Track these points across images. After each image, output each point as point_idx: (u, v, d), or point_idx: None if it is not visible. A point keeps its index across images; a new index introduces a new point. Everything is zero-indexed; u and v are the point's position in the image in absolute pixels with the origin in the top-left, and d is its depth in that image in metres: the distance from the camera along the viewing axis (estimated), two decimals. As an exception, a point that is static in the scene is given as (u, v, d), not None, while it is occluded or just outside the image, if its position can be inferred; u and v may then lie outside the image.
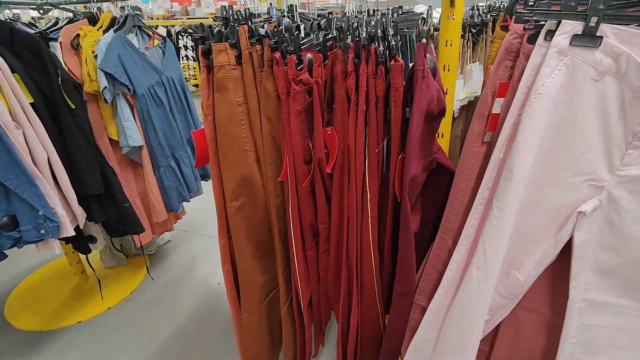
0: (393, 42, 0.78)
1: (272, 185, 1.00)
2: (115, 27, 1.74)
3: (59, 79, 1.36)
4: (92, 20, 1.78)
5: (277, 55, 0.86)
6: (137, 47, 1.81)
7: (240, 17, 1.03)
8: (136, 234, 1.83)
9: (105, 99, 1.65)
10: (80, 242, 1.73)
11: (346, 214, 0.97)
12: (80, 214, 1.48)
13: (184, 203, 2.14)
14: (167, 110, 1.92)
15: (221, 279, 2.26)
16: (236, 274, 1.15)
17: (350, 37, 0.85)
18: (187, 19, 6.05)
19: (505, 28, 0.86)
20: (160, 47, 1.97)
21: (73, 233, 1.38)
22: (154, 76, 1.86)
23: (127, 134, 1.77)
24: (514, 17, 0.77)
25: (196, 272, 2.31)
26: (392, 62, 0.76)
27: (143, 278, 2.27)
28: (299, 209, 0.99)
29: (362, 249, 1.00)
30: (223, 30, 0.93)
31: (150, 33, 1.96)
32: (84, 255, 1.81)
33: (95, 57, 1.65)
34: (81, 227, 1.53)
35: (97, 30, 1.72)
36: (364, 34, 0.77)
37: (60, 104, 1.40)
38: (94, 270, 2.02)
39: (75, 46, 1.65)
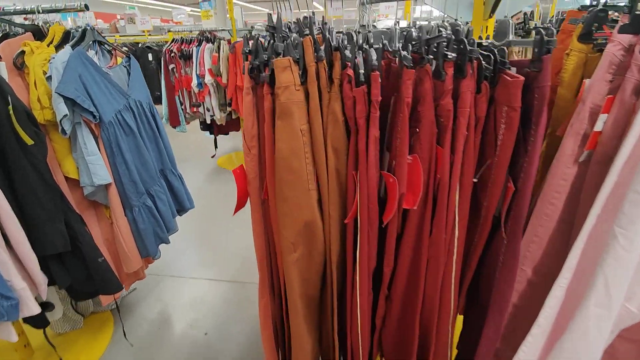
0: (498, 55, 0.66)
1: (336, 229, 0.80)
2: (71, 43, 1.40)
3: (9, 108, 1.02)
4: (38, 34, 1.42)
5: (350, 72, 0.69)
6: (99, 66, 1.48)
7: (293, 27, 0.84)
8: (111, 294, 1.46)
9: (63, 129, 1.31)
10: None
11: (425, 254, 0.82)
12: (42, 281, 1.12)
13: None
14: (137, 139, 1.60)
15: (208, 329, 1.93)
16: (277, 339, 0.92)
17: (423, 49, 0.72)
18: (120, 36, 5.49)
19: (585, 39, 0.79)
20: (125, 66, 1.65)
21: (38, 310, 1.02)
22: (120, 100, 1.54)
23: (92, 171, 1.42)
24: (617, 27, 0.70)
25: (175, 325, 1.95)
26: (507, 77, 0.63)
27: (109, 341, 1.85)
28: (369, 253, 0.81)
29: (443, 293, 0.85)
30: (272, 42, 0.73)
31: (112, 50, 1.64)
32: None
33: (48, 78, 1.30)
34: (43, 298, 1.15)
35: (47, 46, 1.38)
36: (466, 44, 0.63)
37: (9, 141, 1.06)
38: (48, 341, 1.58)
39: (20, 65, 1.29)
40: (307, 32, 0.70)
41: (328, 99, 0.71)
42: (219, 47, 3.29)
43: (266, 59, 0.72)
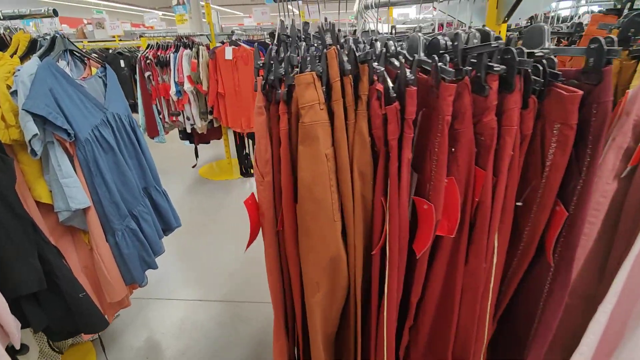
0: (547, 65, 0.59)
1: (360, 261, 0.71)
2: (39, 52, 1.24)
3: (-32, 130, 0.87)
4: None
5: (380, 87, 0.60)
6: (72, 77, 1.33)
7: (308, 34, 0.73)
8: (95, 333, 1.31)
9: (33, 150, 1.15)
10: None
11: (459, 283, 0.74)
12: (15, 328, 0.96)
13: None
14: (117, 157, 1.45)
15: (203, 356, 1.79)
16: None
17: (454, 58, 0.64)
18: (89, 42, 5.21)
19: (620, 46, 0.74)
20: (100, 77, 1.50)
21: (10, 363, 0.88)
22: (97, 114, 1.39)
23: (68, 195, 1.27)
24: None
25: (165, 353, 1.80)
26: (561, 91, 0.56)
27: (92, 377, 1.68)
28: (398, 284, 0.73)
29: (479, 324, 0.77)
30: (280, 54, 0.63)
31: (86, 59, 1.49)
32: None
33: (13, 93, 1.14)
34: (17, 347, 1.00)
35: (11, 57, 1.21)
36: (515, 55, 0.56)
37: (-32, 168, 0.90)
38: (21, 388, 1.40)
39: (-22, 79, 1.12)
40: (328, 40, 0.61)
41: (354, 118, 0.62)
42: (197, 53, 3.14)
43: (282, 73, 0.62)
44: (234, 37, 3.08)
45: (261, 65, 0.61)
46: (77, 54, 1.46)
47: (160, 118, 3.26)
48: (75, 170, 1.29)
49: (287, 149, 0.65)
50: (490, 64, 0.57)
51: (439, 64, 0.59)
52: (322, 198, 0.63)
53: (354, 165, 0.64)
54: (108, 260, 1.43)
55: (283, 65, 0.61)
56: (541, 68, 0.58)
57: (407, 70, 0.59)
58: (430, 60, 0.59)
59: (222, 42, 3.18)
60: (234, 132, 3.49)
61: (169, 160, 4.45)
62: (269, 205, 0.67)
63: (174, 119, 3.25)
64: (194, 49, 3.17)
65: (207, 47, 3.25)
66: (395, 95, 0.61)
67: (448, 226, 0.66)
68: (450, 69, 0.56)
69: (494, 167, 0.62)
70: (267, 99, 0.64)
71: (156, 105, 3.24)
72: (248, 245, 0.72)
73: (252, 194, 0.69)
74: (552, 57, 0.58)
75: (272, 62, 0.61)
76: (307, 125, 0.59)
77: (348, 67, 0.58)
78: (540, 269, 0.71)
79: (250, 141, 3.59)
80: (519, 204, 0.67)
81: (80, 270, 1.46)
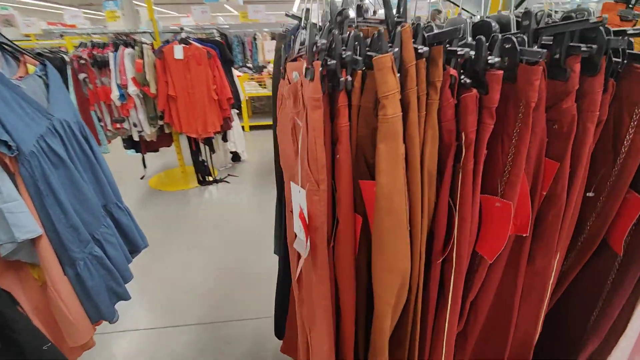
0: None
1: (423, 272, 0.62)
2: (-40, 44, 0.97)
3: None
4: None
5: (454, 72, 0.52)
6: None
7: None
8: (64, 388, 1.06)
9: (-38, 170, 0.89)
10: None
11: (520, 284, 0.68)
12: None
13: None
14: (71, 171, 1.20)
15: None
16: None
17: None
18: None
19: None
20: (40, 76, 1.23)
21: None
22: (41, 122, 1.13)
23: (11, 222, 1.01)
24: None
25: (140, 394, 1.55)
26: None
27: None
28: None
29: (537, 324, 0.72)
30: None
31: (19, 56, 1.21)
32: None
33: None
34: None
35: None
36: (603, 34, 0.51)
37: None
38: None
39: None
40: (399, 17, 0.50)
41: (425, 109, 0.53)
42: (142, 52, 2.82)
43: (343, 57, 0.50)
44: (182, 35, 2.82)
45: (320, 46, 0.49)
46: (7, 48, 1.18)
47: (101, 126, 2.87)
48: (19, 192, 1.03)
49: (349, 151, 0.54)
50: (573, 44, 0.52)
51: (519, 46, 0.52)
52: (399, 207, 0.52)
53: (424, 165, 0.55)
54: (68, 297, 1.18)
55: (341, 47, 0.49)
56: (620, 48, 0.54)
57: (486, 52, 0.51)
58: (515, 38, 0.51)
59: (167, 42, 2.89)
60: (188, 138, 3.20)
61: (114, 172, 3.97)
62: (324, 219, 0.55)
63: (118, 126, 2.88)
64: (136, 47, 2.84)
65: (151, 46, 2.93)
66: (469, 81, 0.53)
67: (522, 223, 0.60)
68: (539, 50, 0.50)
69: (572, 157, 0.57)
70: (323, 90, 0.52)
71: (95, 111, 2.85)
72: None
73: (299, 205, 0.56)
74: (629, 38, 0.55)
75: (332, 43, 0.49)
76: (390, 119, 0.48)
77: (425, 48, 0.49)
78: (602, 261, 0.67)
79: (207, 147, 3.33)
80: (590, 194, 0.63)
81: (29, 313, 1.19)
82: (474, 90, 0.52)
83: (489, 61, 0.51)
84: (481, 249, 0.63)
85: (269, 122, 5.53)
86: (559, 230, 0.62)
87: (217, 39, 3.30)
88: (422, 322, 0.69)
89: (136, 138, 3.01)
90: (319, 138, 0.51)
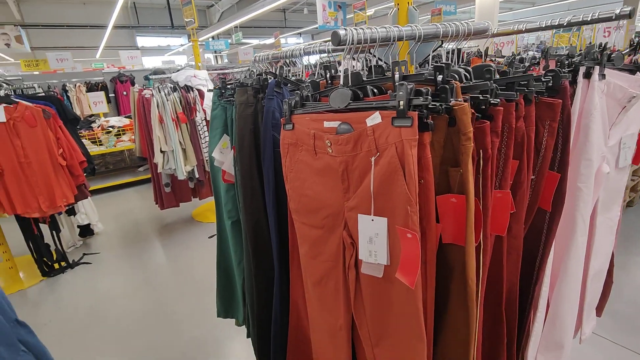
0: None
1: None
2: None
3: None
4: None
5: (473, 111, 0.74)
6: None
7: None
8: None
9: None
10: None
11: (505, 250, 0.96)
12: None
13: None
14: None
15: None
16: None
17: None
18: None
19: None
20: None
21: None
22: None
23: None
24: None
25: None
26: (550, 100, 0.88)
27: None
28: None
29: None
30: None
31: None
32: None
33: None
34: None
35: None
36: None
37: None
38: None
39: None
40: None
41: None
42: None
43: (429, 106, 0.64)
44: (1, 92, 2.21)
45: (420, 102, 0.60)
46: None
47: None
48: None
49: (432, 175, 0.67)
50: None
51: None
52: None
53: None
54: None
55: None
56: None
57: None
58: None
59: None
60: (22, 221, 2.46)
61: None
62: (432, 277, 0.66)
63: None
64: None
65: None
66: (479, 115, 0.76)
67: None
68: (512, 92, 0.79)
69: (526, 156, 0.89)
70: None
71: None
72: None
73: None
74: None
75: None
76: (470, 147, 0.66)
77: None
78: (538, 219, 1.03)
79: (51, 226, 2.62)
80: (532, 177, 0.96)
81: None
82: (487, 122, 0.76)
83: (492, 102, 0.76)
84: (493, 230, 0.87)
85: (113, 182, 4.73)
86: (523, 203, 0.93)
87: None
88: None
89: None
90: (415, 169, 0.64)
